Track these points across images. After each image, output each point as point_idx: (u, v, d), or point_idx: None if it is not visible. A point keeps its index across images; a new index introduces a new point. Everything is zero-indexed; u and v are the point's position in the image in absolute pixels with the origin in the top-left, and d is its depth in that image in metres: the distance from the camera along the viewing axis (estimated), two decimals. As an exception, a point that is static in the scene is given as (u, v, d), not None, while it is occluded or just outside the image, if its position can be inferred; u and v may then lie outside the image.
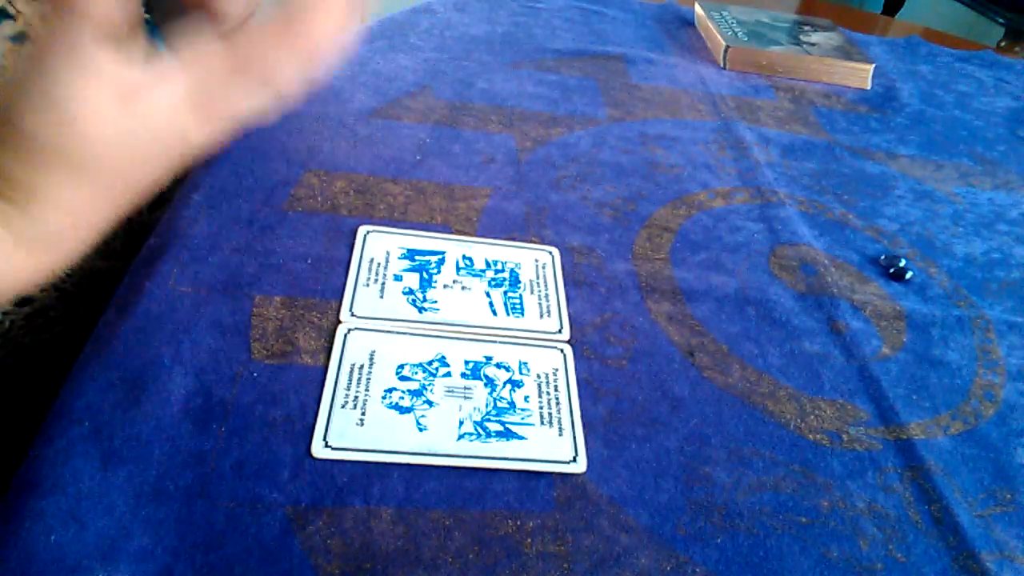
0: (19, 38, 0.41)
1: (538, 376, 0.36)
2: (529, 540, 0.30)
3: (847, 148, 0.64)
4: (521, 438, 0.33)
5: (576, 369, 0.37)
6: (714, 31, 0.77)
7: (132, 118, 0.30)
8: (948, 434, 0.38)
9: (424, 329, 0.37)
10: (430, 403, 0.34)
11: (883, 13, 2.03)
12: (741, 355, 0.40)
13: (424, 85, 0.60)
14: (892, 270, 0.49)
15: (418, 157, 0.51)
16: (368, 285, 0.39)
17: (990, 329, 0.46)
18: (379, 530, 0.29)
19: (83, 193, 0.31)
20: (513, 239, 0.45)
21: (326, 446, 0.31)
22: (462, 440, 0.32)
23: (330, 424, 0.32)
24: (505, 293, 0.41)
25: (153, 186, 0.35)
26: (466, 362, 0.36)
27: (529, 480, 0.32)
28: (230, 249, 0.40)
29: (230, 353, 0.34)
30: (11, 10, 0.41)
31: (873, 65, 0.76)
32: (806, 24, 0.84)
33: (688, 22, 0.85)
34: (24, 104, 0.28)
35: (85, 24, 0.28)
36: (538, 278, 0.42)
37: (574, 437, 0.34)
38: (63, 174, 0.30)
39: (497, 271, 0.42)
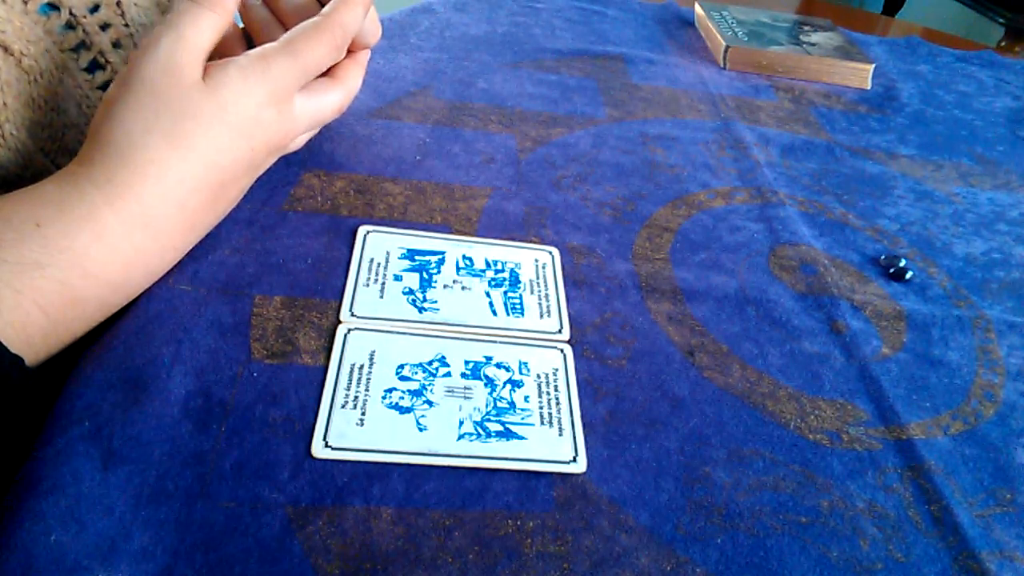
0: (107, 86, 0.43)
1: (538, 376, 0.36)
2: (529, 540, 0.30)
3: (847, 148, 0.64)
4: (521, 438, 0.33)
5: (576, 369, 0.37)
6: (714, 31, 0.77)
7: (212, 83, 0.35)
8: (948, 434, 0.38)
9: (424, 329, 0.38)
10: (430, 403, 0.34)
11: (883, 13, 2.03)
12: (741, 355, 0.40)
13: (424, 85, 0.60)
14: (892, 270, 0.49)
15: (418, 157, 0.51)
16: (368, 285, 0.39)
17: (990, 329, 0.46)
18: (379, 530, 0.29)
19: (184, 168, 0.34)
20: (513, 239, 0.45)
21: (326, 446, 0.31)
22: (462, 440, 0.32)
23: (330, 424, 0.32)
24: (505, 293, 0.41)
25: (242, 185, 0.38)
26: (466, 362, 0.36)
27: (529, 480, 0.32)
28: (230, 249, 0.40)
29: (230, 353, 0.34)
30: (101, 60, 0.43)
31: (873, 65, 0.76)
32: (806, 24, 0.84)
33: (688, 22, 0.85)
34: (145, 57, 0.34)
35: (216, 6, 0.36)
36: (538, 278, 0.42)
37: (574, 437, 0.34)
38: (167, 140, 0.34)
39: (497, 271, 0.42)
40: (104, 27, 0.43)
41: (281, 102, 0.38)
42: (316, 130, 0.46)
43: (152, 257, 0.35)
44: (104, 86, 0.43)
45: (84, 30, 0.41)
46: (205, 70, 0.36)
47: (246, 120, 0.36)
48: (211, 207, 0.37)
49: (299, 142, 0.45)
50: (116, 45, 0.44)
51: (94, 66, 0.43)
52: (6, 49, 0.35)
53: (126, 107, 0.34)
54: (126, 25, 0.45)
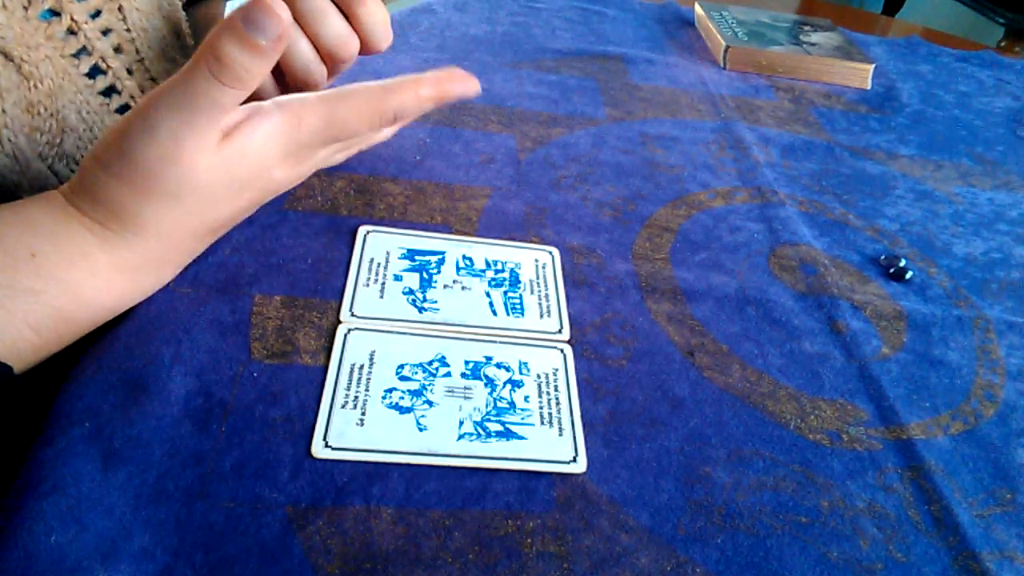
0: (123, 110, 0.43)
1: (538, 376, 0.36)
2: (529, 540, 0.30)
3: (847, 148, 0.64)
4: (521, 438, 0.33)
5: (576, 369, 0.37)
6: (714, 31, 0.77)
7: (228, 155, 0.33)
8: (948, 434, 0.38)
9: (424, 329, 0.38)
10: (430, 403, 0.34)
11: (883, 13, 2.03)
12: (741, 355, 0.40)
13: (424, 85, 0.60)
14: (892, 270, 0.49)
15: (418, 157, 0.51)
16: (368, 285, 0.39)
17: (990, 329, 0.46)
18: (379, 530, 0.29)
19: (179, 223, 0.34)
20: (513, 239, 0.45)
21: (326, 446, 0.31)
22: (462, 440, 0.32)
23: (330, 424, 0.32)
24: (505, 293, 0.41)
25: (238, 220, 0.37)
26: (466, 362, 0.36)
27: (529, 480, 0.32)
28: (230, 249, 0.40)
29: (230, 353, 0.34)
30: (103, 66, 0.43)
31: (873, 65, 0.76)
32: (806, 24, 0.84)
33: (688, 22, 0.85)
34: (142, 137, 0.31)
35: (222, 74, 0.30)
36: (538, 278, 0.42)
37: (574, 437, 0.34)
38: (163, 205, 0.33)
39: (497, 271, 0.42)
40: (105, 32, 0.43)
41: (298, 162, 0.36)
42: (349, 148, 0.45)
43: (147, 284, 0.35)
44: (106, 91, 0.43)
45: (85, 36, 0.41)
46: (230, 133, 0.32)
47: (256, 180, 0.34)
48: (208, 241, 0.37)
49: (333, 160, 0.44)
50: (117, 50, 0.44)
51: (95, 71, 0.43)
52: (6, 55, 0.35)
53: (120, 180, 0.31)
54: (128, 30, 0.45)
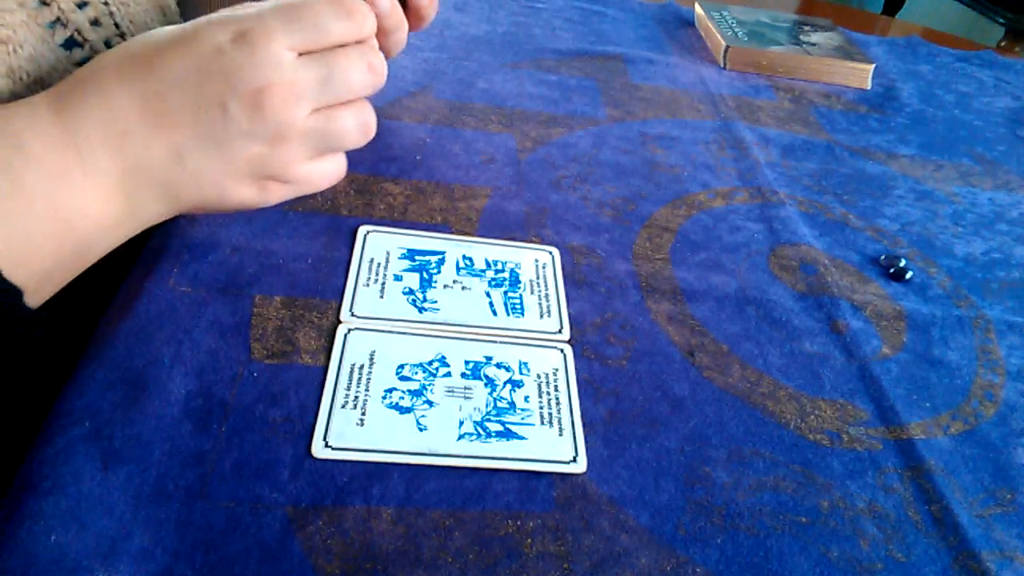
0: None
1: (538, 376, 0.36)
2: (529, 540, 0.30)
3: (847, 148, 0.64)
4: (521, 438, 0.33)
5: (576, 369, 0.37)
6: (714, 31, 0.77)
7: (183, 28, 0.34)
8: (948, 434, 0.38)
9: (424, 329, 0.38)
10: (430, 403, 0.34)
11: (883, 13, 2.03)
12: (741, 355, 0.40)
13: (424, 85, 0.60)
14: (892, 270, 0.49)
15: (418, 157, 0.51)
16: (368, 285, 0.39)
17: (990, 329, 0.46)
18: (379, 530, 0.29)
19: (125, 95, 0.33)
20: (513, 239, 0.45)
21: (326, 446, 0.31)
22: (462, 440, 0.32)
23: (330, 424, 0.32)
24: (505, 293, 0.41)
25: (191, 124, 0.34)
26: (466, 362, 0.36)
27: (529, 480, 0.32)
28: (230, 249, 0.40)
29: (230, 353, 0.34)
30: (79, 38, 0.42)
31: (873, 65, 0.76)
32: (806, 24, 0.84)
33: (688, 22, 0.85)
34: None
35: None
36: (538, 278, 0.42)
37: (574, 437, 0.34)
38: (111, 57, 0.34)
39: (497, 271, 0.42)
40: (82, 5, 0.42)
41: (255, 43, 0.34)
42: (339, 168, 0.40)
43: (69, 166, 0.32)
44: (82, 64, 0.43)
45: (59, 7, 0.40)
46: None
47: (201, 40, 0.34)
48: (150, 132, 0.33)
49: (319, 179, 0.39)
50: (95, 23, 0.43)
51: (71, 44, 0.42)
52: None
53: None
54: (105, 3, 0.44)
